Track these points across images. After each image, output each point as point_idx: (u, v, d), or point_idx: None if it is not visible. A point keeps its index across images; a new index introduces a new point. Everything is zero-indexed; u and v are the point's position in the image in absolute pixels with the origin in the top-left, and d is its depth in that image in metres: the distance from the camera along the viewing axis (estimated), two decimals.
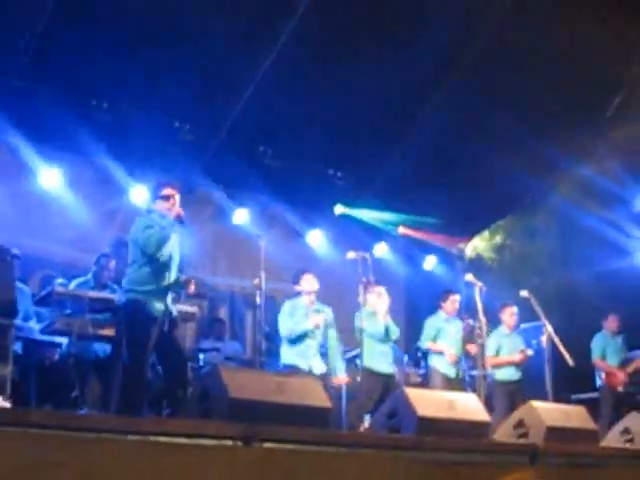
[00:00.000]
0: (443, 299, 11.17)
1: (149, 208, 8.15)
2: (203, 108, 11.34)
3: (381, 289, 10.28)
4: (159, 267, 7.78)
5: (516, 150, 12.38)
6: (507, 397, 10.78)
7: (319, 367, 9.60)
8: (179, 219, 7.85)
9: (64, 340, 9.12)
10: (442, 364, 10.81)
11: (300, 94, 11.43)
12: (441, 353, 10.88)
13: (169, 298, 7.89)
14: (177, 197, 8.00)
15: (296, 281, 9.75)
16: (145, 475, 4.93)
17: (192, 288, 8.64)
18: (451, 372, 10.75)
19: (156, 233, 7.71)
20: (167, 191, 7.99)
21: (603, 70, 12.37)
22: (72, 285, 9.46)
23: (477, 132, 12.24)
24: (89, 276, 9.66)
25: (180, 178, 11.10)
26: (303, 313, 9.65)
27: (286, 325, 9.57)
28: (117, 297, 8.32)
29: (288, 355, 9.61)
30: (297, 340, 9.53)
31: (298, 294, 9.76)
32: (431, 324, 11.06)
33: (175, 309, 8.07)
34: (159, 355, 7.94)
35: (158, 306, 7.72)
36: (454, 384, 10.40)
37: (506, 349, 11.17)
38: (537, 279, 12.18)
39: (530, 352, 11.11)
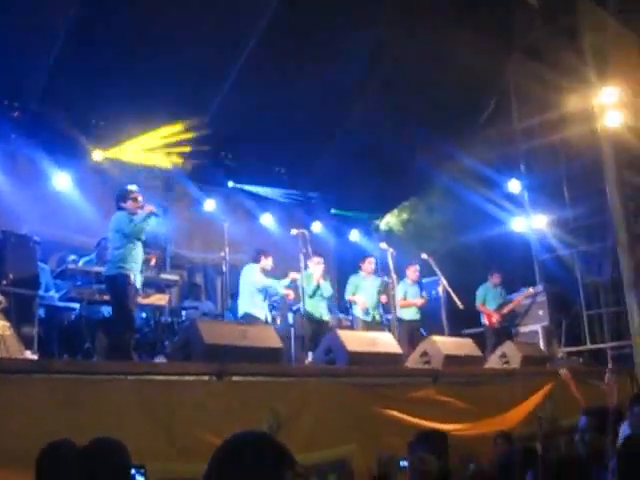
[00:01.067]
0: (362, 261, 11.23)
1: (121, 207, 8.09)
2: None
3: (319, 259, 10.33)
4: (136, 249, 7.83)
5: (419, 147, 12.52)
6: (409, 332, 10.93)
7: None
8: (153, 213, 7.95)
9: (77, 305, 9.07)
10: (361, 312, 10.90)
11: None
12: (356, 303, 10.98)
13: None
14: (140, 198, 8.09)
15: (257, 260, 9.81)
16: (145, 406, 4.97)
17: (153, 261, 8.66)
18: (368, 317, 10.83)
19: (139, 224, 7.78)
20: (135, 195, 8.03)
21: (480, 81, 12.52)
22: (81, 262, 9.39)
23: (390, 134, 12.26)
24: (93, 255, 9.59)
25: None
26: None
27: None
28: (105, 271, 8.23)
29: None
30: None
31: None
32: (352, 281, 11.12)
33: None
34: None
35: (136, 277, 7.78)
36: (372, 327, 10.47)
37: (410, 295, 11.35)
38: (435, 244, 12.27)
39: (426, 297, 11.31)
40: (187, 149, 11.46)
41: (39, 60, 9.83)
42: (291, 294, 9.96)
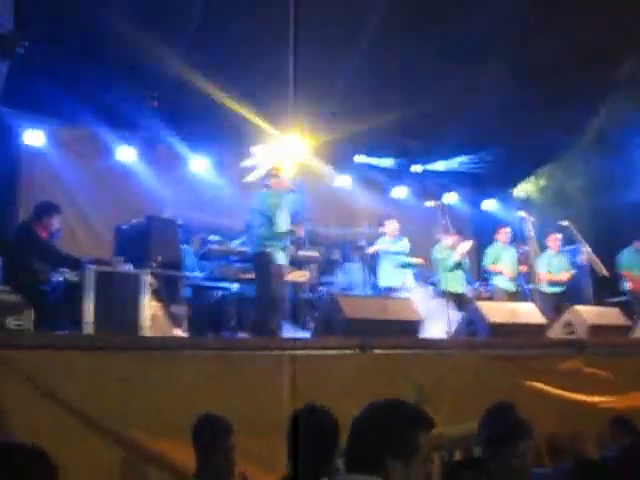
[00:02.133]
0: (497, 232, 11.04)
1: (267, 184, 8.25)
2: None
3: (469, 242, 10.39)
4: (277, 226, 7.99)
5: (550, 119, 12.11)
6: (554, 305, 10.61)
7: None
8: (290, 190, 8.11)
9: (221, 284, 9.36)
10: (502, 281, 10.72)
11: None
12: (501, 273, 10.79)
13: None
14: (281, 174, 8.28)
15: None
16: (289, 380, 5.08)
17: (301, 233, 8.70)
18: (510, 287, 10.65)
19: (274, 201, 8.00)
20: (275, 171, 8.17)
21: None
22: (234, 244, 9.68)
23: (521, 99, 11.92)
24: (244, 238, 9.83)
25: None
26: None
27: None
28: (250, 250, 8.45)
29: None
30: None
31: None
32: (490, 251, 10.94)
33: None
34: None
35: (278, 254, 7.96)
36: (513, 297, 10.29)
37: (555, 267, 10.97)
38: (576, 210, 11.83)
39: (573, 272, 10.88)
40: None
41: (175, 53, 10.13)
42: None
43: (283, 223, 7.99)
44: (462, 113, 12.34)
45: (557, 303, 10.54)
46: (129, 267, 6.94)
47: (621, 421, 5.92)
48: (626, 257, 11.49)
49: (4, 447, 2.30)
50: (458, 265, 10.15)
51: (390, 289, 9.69)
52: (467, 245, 10.19)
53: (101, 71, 9.50)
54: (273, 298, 7.86)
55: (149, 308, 6.62)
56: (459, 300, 9.83)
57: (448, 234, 9.93)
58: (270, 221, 7.93)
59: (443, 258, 9.73)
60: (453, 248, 10.15)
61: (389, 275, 9.92)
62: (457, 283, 10.10)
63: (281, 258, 7.94)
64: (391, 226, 10.05)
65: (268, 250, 7.88)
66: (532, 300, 9.78)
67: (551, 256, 10.99)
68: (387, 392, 5.35)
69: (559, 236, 10.96)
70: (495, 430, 3.83)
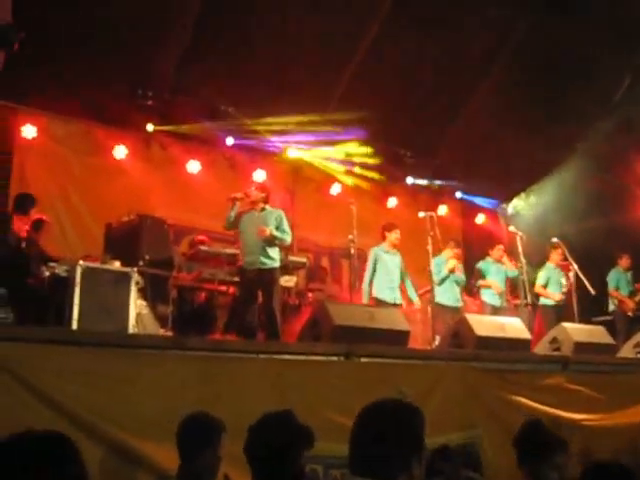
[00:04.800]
0: (491, 248, 11.07)
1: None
2: None
3: (457, 250, 10.44)
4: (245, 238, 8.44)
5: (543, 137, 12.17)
6: (551, 316, 10.59)
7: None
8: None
9: (207, 286, 9.32)
10: (490, 296, 10.73)
11: None
12: (489, 287, 10.80)
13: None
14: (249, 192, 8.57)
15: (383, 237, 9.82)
16: (274, 384, 5.05)
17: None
18: (496, 302, 10.66)
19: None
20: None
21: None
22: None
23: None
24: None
25: None
26: None
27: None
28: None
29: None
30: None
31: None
32: (480, 267, 10.97)
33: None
34: None
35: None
36: (500, 312, 10.29)
37: (553, 280, 10.92)
38: (564, 229, 11.86)
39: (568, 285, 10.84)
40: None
41: (170, 50, 10.12)
42: None
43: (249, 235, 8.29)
44: (457, 125, 12.46)
45: (558, 315, 10.51)
46: (117, 265, 6.90)
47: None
48: (614, 276, 11.55)
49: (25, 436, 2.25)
50: (446, 278, 10.14)
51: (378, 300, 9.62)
52: (452, 261, 10.19)
53: (97, 67, 9.48)
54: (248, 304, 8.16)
55: (135, 307, 6.58)
56: (452, 314, 9.79)
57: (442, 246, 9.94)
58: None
59: (435, 272, 9.74)
60: (446, 261, 10.21)
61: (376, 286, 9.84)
62: (447, 297, 10.06)
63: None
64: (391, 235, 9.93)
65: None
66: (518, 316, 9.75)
67: (551, 269, 10.99)
68: (370, 399, 5.37)
69: (561, 250, 10.90)
70: (532, 444, 3.87)
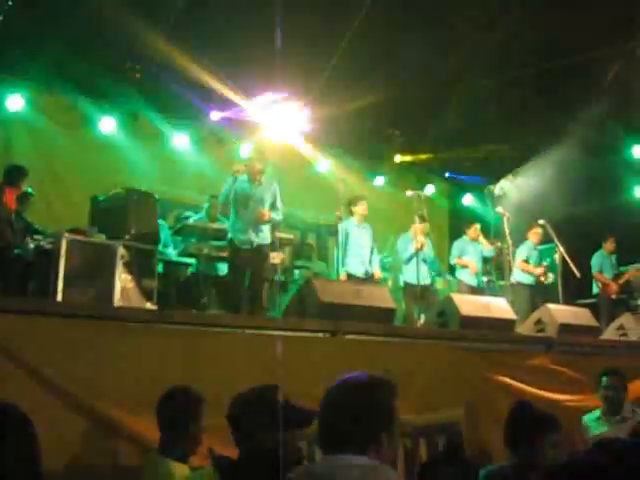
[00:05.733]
0: (467, 227, 11.06)
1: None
2: None
3: (422, 225, 9.99)
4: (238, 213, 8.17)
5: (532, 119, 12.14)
6: (528, 297, 10.63)
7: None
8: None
9: (193, 261, 9.28)
10: (467, 276, 10.75)
11: None
12: (465, 267, 10.80)
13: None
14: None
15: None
16: (259, 360, 5.02)
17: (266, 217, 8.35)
18: (474, 282, 10.67)
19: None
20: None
21: None
22: (191, 220, 9.61)
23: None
24: (203, 212, 9.79)
25: None
26: None
27: None
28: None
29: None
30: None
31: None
32: (456, 245, 10.99)
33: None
34: None
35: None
36: (477, 291, 10.30)
37: (533, 259, 11.03)
38: (550, 211, 11.86)
39: (546, 265, 10.93)
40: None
41: (158, 24, 9.99)
42: None
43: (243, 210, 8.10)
44: (446, 106, 12.39)
45: (532, 297, 10.59)
46: (102, 238, 6.86)
47: None
48: (598, 259, 11.59)
49: None
50: (414, 256, 9.76)
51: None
52: (421, 238, 9.89)
53: (83, 40, 9.37)
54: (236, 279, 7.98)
55: (120, 280, 6.54)
56: (421, 292, 9.67)
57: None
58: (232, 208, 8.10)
59: (401, 250, 9.72)
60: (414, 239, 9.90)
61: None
62: (414, 276, 9.60)
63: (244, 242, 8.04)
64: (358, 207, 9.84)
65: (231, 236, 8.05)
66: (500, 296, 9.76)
67: (530, 248, 11.04)
68: None
69: (540, 231, 10.98)
70: (526, 425, 3.89)
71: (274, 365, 5.08)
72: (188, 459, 3.98)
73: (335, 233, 9.43)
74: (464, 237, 10.99)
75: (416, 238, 9.72)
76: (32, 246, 6.84)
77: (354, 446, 2.47)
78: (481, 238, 10.86)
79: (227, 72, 10.53)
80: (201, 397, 4.05)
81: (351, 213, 9.66)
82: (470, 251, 10.80)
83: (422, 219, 9.78)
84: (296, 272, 10.42)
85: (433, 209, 11.31)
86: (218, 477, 3.16)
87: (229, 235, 8.24)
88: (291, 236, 10.12)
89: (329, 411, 2.59)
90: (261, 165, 8.13)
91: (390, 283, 10.78)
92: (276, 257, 9.14)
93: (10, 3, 6.86)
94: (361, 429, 2.49)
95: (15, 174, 7.61)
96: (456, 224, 13.66)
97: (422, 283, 9.57)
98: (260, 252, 8.02)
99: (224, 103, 11.01)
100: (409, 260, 9.97)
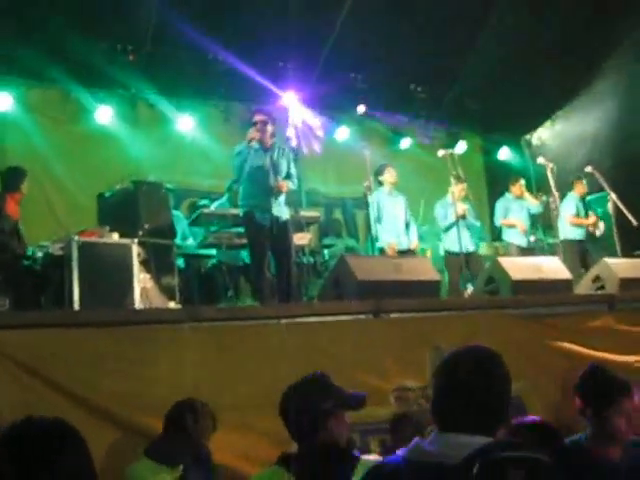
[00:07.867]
0: (512, 183, 10.98)
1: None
2: None
3: (462, 185, 9.98)
4: (256, 182, 7.72)
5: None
6: (580, 254, 10.54)
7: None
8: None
9: (215, 251, 9.29)
10: (516, 236, 10.70)
11: None
12: (513, 226, 10.75)
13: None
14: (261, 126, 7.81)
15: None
16: (300, 349, 5.05)
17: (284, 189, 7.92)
18: (524, 242, 10.61)
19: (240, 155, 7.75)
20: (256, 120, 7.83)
21: None
22: (212, 207, 9.57)
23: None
24: (224, 199, 9.73)
25: None
26: None
27: None
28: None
29: None
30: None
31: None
32: (500, 205, 10.90)
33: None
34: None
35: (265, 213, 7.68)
36: (528, 252, 10.23)
37: (582, 211, 10.91)
38: (598, 156, 11.68)
39: (598, 217, 10.84)
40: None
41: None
42: None
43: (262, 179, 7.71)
44: (470, 53, 12.23)
45: (582, 254, 10.49)
46: (115, 237, 6.89)
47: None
48: None
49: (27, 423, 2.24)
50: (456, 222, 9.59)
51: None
52: (462, 204, 9.87)
53: (70, 23, 9.35)
54: (258, 262, 7.65)
55: (139, 281, 6.58)
56: (466, 260, 9.68)
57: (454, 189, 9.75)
58: (245, 178, 7.70)
59: (440, 217, 9.73)
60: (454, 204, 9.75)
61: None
62: (456, 244, 9.44)
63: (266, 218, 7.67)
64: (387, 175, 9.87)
65: (247, 209, 7.72)
66: (554, 255, 9.69)
67: (577, 199, 10.91)
68: (404, 357, 5.38)
69: (584, 181, 10.85)
70: (595, 390, 3.89)
71: (317, 354, 5.11)
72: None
73: (363, 206, 9.39)
74: (507, 195, 10.90)
75: (456, 204, 9.64)
76: (40, 254, 6.91)
77: (482, 424, 2.36)
78: (526, 194, 10.78)
79: (230, 42, 10.46)
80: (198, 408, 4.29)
81: (380, 183, 9.65)
82: (516, 209, 10.72)
83: (459, 179, 9.68)
84: (325, 252, 10.36)
85: (467, 168, 11.13)
86: (286, 473, 3.20)
87: (245, 212, 7.85)
88: (316, 214, 9.88)
89: (448, 386, 2.47)
90: (272, 127, 7.93)
91: (429, 253, 10.70)
92: (303, 238, 9.05)
93: None
94: (490, 404, 2.40)
95: (13, 177, 7.64)
96: (494, 182, 13.54)
97: (465, 250, 9.54)
98: (284, 229, 7.71)
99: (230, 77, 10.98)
100: (449, 228, 9.94)
